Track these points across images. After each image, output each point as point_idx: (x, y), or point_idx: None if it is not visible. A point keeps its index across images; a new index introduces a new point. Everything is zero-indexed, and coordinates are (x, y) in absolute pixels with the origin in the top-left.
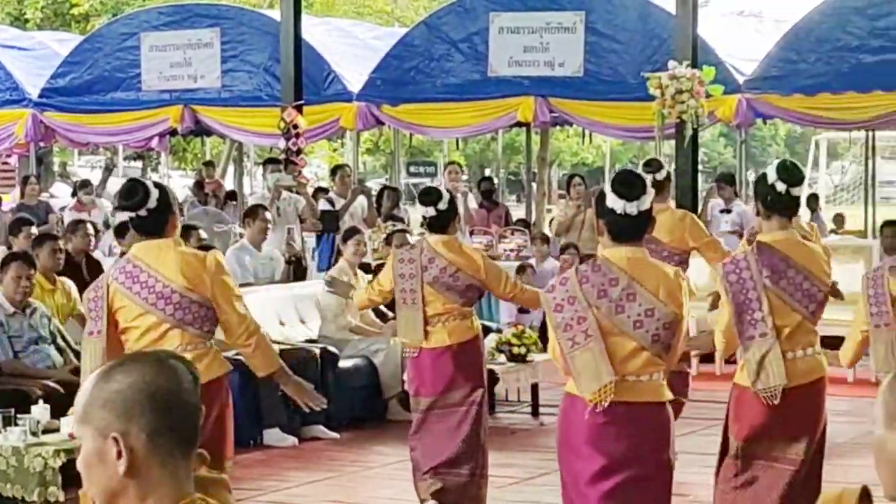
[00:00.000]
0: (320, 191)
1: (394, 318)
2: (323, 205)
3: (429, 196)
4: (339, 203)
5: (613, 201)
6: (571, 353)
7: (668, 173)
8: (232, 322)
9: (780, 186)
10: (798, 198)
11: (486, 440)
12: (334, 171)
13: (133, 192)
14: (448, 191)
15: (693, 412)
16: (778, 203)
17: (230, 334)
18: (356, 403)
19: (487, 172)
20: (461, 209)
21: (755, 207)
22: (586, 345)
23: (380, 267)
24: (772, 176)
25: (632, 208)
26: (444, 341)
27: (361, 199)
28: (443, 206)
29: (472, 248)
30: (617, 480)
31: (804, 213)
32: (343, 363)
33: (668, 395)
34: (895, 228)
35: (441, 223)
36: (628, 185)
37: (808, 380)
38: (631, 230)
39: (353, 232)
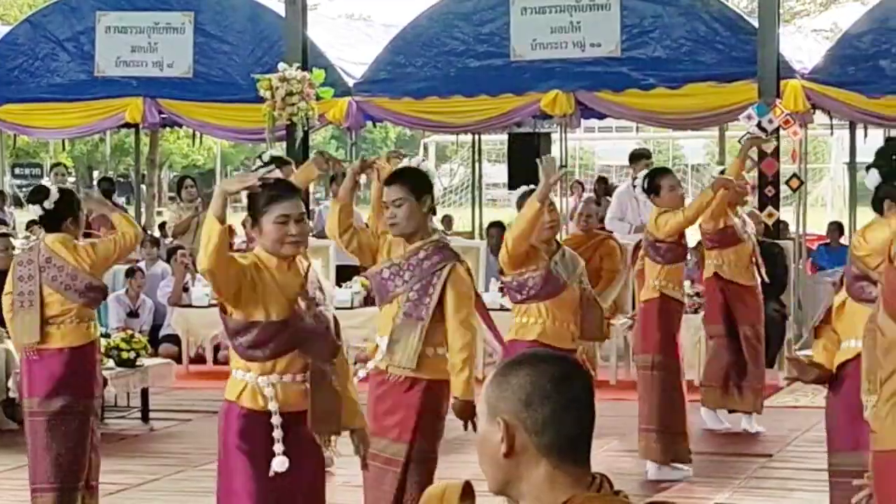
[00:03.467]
0: None
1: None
2: None
3: (36, 195)
4: None
5: None
6: None
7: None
8: None
9: None
10: None
11: (96, 449)
12: None
13: None
14: (61, 189)
15: None
16: None
17: None
18: None
19: (96, 174)
20: None
21: None
22: None
23: None
24: None
25: None
26: (58, 344)
27: None
28: (49, 204)
29: (86, 246)
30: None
31: None
32: None
33: None
34: (500, 229)
35: (53, 221)
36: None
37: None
38: None
39: None
